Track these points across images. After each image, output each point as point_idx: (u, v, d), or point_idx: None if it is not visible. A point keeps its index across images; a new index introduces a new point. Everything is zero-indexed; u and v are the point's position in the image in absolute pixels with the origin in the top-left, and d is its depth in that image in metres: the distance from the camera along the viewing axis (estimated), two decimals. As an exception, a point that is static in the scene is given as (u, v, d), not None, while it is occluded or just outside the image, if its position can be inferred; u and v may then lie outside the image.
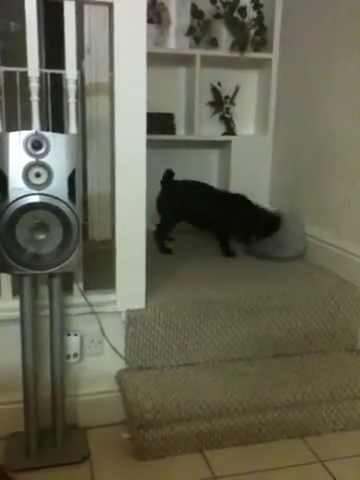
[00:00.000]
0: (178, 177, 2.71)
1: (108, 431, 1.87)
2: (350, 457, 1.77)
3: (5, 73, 2.31)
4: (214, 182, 3.13)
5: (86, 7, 2.57)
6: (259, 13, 2.96)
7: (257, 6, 2.95)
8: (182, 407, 1.73)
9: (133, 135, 1.76)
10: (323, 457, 1.76)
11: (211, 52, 2.94)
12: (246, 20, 2.94)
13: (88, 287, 1.86)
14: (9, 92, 2.32)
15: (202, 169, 2.94)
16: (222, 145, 3.18)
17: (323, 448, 1.80)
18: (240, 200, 2.66)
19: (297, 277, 2.35)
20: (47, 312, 1.71)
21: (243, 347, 2.04)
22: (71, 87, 1.70)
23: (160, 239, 2.68)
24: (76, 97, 1.72)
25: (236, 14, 2.92)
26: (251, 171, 3.06)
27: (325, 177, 2.51)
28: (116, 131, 1.76)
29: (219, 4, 2.91)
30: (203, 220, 2.71)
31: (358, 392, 1.91)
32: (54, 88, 2.62)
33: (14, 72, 2.32)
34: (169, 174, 2.70)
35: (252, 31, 2.96)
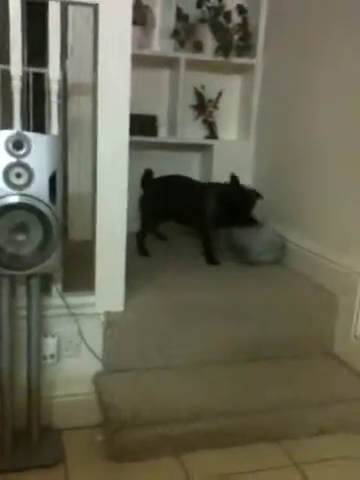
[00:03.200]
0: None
1: (83, 433, 1.86)
2: (325, 460, 1.79)
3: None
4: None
5: (70, 6, 2.56)
6: (244, 19, 2.98)
7: (242, 12, 2.98)
8: (159, 410, 1.74)
9: (116, 136, 1.76)
10: (298, 460, 1.77)
11: (195, 56, 2.94)
12: (231, 25, 2.96)
13: (66, 288, 1.84)
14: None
15: (184, 172, 2.93)
16: (204, 149, 3.19)
17: (298, 452, 1.82)
18: (216, 185, 2.63)
19: (276, 282, 2.37)
20: (24, 313, 1.69)
21: (221, 351, 2.05)
22: (54, 87, 1.69)
23: (142, 240, 2.67)
24: (58, 97, 1.71)
25: (221, 19, 2.94)
26: (232, 175, 3.08)
27: (305, 183, 2.54)
28: (99, 132, 1.75)
29: (204, 8, 2.92)
30: (181, 212, 2.66)
31: (333, 397, 1.94)
32: (34, 87, 2.61)
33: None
34: (148, 174, 2.70)
35: (236, 36, 2.98)
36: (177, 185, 2.68)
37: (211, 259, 2.58)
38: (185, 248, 2.82)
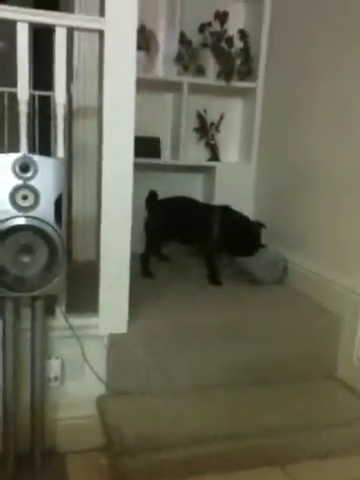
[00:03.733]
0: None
1: (86, 457, 1.84)
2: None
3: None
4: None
5: (75, 31, 2.60)
6: (245, 44, 3.04)
7: (243, 37, 3.03)
8: (162, 434, 1.72)
9: (121, 158, 1.78)
10: (302, 485, 1.75)
11: (198, 80, 2.99)
12: (233, 50, 3.01)
13: (70, 309, 1.84)
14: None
15: (187, 193, 2.96)
16: (207, 170, 3.22)
17: (302, 476, 1.80)
18: (222, 210, 2.62)
19: (278, 304, 2.37)
20: (28, 334, 1.69)
21: (224, 373, 2.04)
22: (60, 111, 1.71)
23: (145, 262, 2.68)
24: (64, 120, 1.74)
25: (223, 44, 2.99)
26: (234, 197, 3.07)
27: (306, 205, 2.55)
28: (104, 154, 1.77)
29: (207, 34, 2.97)
30: (187, 234, 2.68)
31: (337, 420, 1.92)
32: (39, 109, 2.64)
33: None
34: (152, 195, 2.72)
35: (238, 61, 3.03)
36: (182, 206, 2.69)
37: (214, 280, 2.58)
38: (188, 269, 2.82)
